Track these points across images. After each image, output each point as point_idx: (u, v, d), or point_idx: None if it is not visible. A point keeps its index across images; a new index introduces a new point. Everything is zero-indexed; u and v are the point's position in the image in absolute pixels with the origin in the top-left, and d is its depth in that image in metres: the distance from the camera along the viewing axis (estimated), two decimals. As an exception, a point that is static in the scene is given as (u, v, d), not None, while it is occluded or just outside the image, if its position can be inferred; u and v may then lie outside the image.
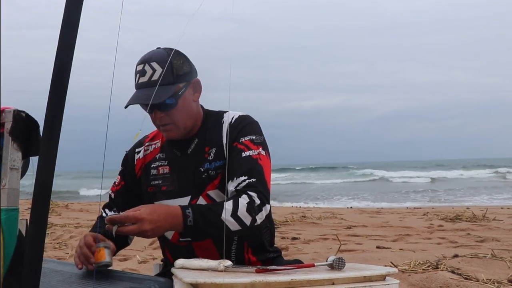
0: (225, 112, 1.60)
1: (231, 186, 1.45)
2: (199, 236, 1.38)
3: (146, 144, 1.68)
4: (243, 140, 1.50)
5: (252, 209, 1.38)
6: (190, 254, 1.52)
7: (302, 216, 7.49)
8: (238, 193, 1.41)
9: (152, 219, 1.29)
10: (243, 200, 1.38)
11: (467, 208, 8.85)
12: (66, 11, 0.83)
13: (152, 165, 1.61)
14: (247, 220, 1.37)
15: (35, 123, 0.98)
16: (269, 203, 1.45)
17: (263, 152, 1.51)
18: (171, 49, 1.50)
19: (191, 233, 1.35)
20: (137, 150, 1.68)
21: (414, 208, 10.34)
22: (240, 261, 1.56)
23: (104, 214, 1.65)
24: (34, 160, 1.05)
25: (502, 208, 9.38)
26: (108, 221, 1.29)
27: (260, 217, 1.39)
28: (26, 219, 0.99)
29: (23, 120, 0.94)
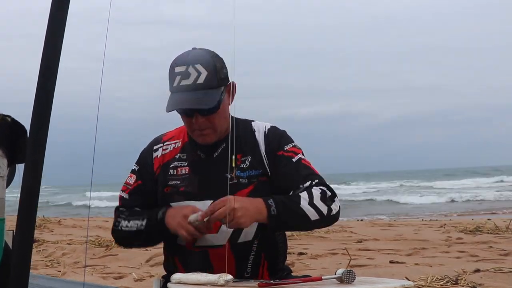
0: (252, 121, 1.67)
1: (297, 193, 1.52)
2: (280, 226, 1.51)
3: (165, 143, 1.67)
4: (287, 148, 1.61)
5: (326, 199, 1.48)
6: (204, 261, 1.53)
7: (310, 230, 7.44)
8: (308, 187, 1.51)
9: (240, 205, 1.38)
10: (316, 191, 1.49)
11: (488, 219, 8.78)
12: (51, 18, 0.85)
13: (171, 165, 1.62)
14: (324, 208, 1.47)
15: (22, 128, 0.99)
16: (337, 197, 1.54)
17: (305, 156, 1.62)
18: (209, 50, 1.54)
19: (274, 223, 1.44)
20: (155, 147, 1.67)
21: (430, 220, 10.28)
22: (254, 277, 1.55)
23: (121, 225, 1.59)
24: (20, 168, 1.06)
25: (525, 219, 9.30)
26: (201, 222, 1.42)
27: (334, 207, 1.50)
28: (13, 231, 1.00)
29: (8, 125, 0.95)
